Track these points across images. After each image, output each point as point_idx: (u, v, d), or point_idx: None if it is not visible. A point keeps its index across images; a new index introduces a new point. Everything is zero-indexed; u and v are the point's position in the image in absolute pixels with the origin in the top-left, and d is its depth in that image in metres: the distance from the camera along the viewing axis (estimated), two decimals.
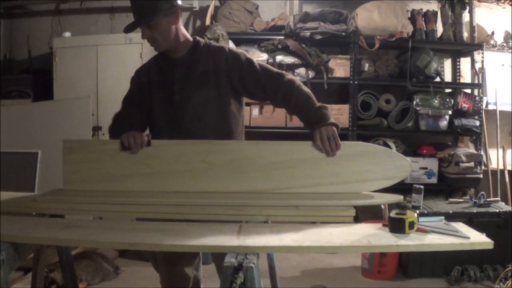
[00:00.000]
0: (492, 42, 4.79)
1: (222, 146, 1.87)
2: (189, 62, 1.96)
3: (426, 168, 4.37)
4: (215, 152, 1.85)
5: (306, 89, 1.93)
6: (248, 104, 4.22)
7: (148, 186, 1.87)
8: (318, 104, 1.90)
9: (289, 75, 1.98)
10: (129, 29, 1.89)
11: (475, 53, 4.84)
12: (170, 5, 1.86)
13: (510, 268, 3.07)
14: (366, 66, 4.48)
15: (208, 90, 1.93)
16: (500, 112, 4.73)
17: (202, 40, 2.02)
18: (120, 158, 1.89)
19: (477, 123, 4.50)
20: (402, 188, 3.15)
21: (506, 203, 4.07)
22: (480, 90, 4.63)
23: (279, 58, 4.27)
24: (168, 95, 1.95)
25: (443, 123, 4.49)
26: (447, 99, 4.45)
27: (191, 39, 2.00)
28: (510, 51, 4.81)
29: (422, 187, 3.27)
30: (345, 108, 4.41)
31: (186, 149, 1.88)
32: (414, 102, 4.42)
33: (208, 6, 4.61)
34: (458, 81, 4.87)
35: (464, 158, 4.26)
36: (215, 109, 1.94)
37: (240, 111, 2.05)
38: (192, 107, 1.92)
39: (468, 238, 1.46)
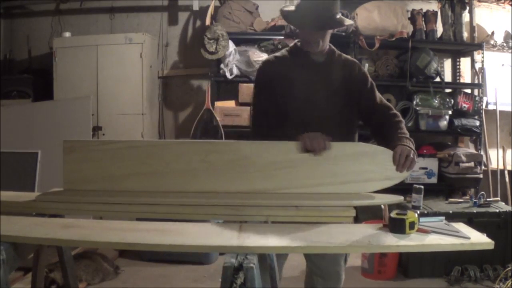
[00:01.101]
0: (492, 42, 4.78)
1: (222, 146, 1.87)
2: (328, 67, 2.08)
3: (426, 168, 4.36)
4: (215, 152, 1.85)
5: (403, 126, 2.02)
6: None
7: (148, 186, 1.86)
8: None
9: (394, 110, 2.09)
10: (312, 28, 1.98)
11: (475, 53, 4.83)
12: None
13: (510, 268, 3.07)
14: (366, 66, 4.47)
15: (338, 97, 2.04)
16: (500, 112, 4.72)
17: (335, 49, 2.15)
18: (120, 158, 1.89)
19: (477, 123, 4.50)
20: (402, 188, 3.14)
21: (506, 203, 4.06)
22: (480, 90, 4.63)
23: None
24: (303, 93, 2.02)
25: (443, 123, 4.49)
26: (447, 99, 4.45)
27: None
28: (510, 51, 4.80)
29: (422, 187, 3.27)
30: None
31: (186, 149, 1.88)
32: (414, 102, 4.42)
33: (208, 6, 4.60)
34: (458, 81, 4.86)
35: (464, 158, 4.26)
36: (342, 116, 2.05)
37: (357, 121, 2.18)
38: (323, 110, 2.01)
39: (469, 238, 1.46)
